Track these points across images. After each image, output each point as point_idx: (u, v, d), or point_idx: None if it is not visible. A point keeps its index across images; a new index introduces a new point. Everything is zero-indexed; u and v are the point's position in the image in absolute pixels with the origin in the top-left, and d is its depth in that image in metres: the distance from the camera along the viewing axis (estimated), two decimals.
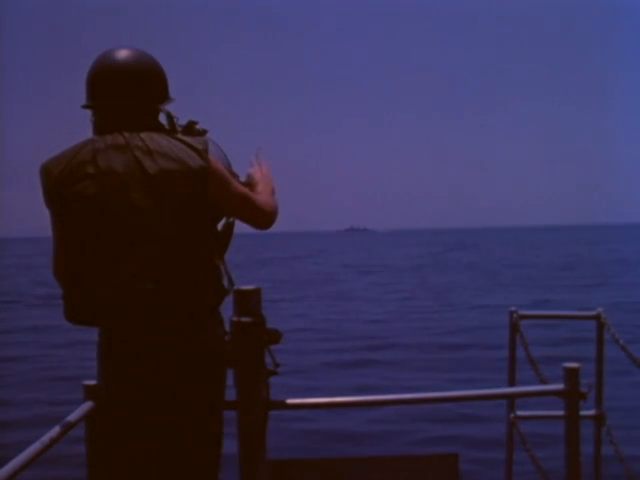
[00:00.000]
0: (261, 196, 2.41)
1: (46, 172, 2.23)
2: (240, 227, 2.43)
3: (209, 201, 2.22)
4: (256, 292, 2.40)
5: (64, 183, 2.19)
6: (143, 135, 2.22)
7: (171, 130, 2.35)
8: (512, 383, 4.24)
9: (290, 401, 2.46)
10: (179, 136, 2.26)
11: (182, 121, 2.41)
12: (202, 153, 2.21)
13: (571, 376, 2.47)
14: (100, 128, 2.29)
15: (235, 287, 2.38)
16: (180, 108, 2.41)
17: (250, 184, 2.46)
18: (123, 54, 2.29)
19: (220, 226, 2.37)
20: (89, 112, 2.33)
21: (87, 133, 2.32)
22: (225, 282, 2.30)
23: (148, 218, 2.15)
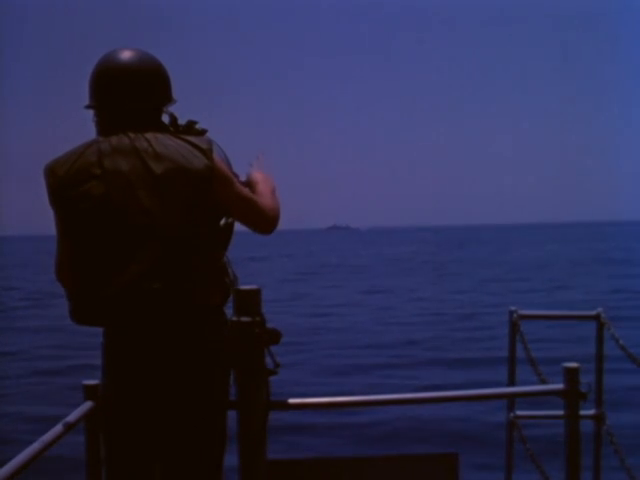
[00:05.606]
0: (263, 199, 2.38)
1: (51, 173, 2.23)
2: None
3: (214, 201, 2.22)
4: (256, 292, 2.40)
5: (70, 184, 2.19)
6: (148, 135, 2.22)
7: (174, 131, 2.35)
8: (512, 383, 4.24)
9: (290, 401, 2.46)
10: (184, 136, 2.26)
11: (181, 121, 2.41)
12: (207, 153, 2.21)
13: (571, 376, 2.47)
14: (103, 128, 2.29)
15: (237, 287, 2.37)
16: (179, 108, 2.41)
17: (250, 183, 2.46)
18: (127, 55, 2.29)
19: (220, 225, 2.36)
20: (91, 112, 2.33)
21: (87, 134, 2.32)
22: (229, 281, 2.30)
23: (154, 218, 2.15)
